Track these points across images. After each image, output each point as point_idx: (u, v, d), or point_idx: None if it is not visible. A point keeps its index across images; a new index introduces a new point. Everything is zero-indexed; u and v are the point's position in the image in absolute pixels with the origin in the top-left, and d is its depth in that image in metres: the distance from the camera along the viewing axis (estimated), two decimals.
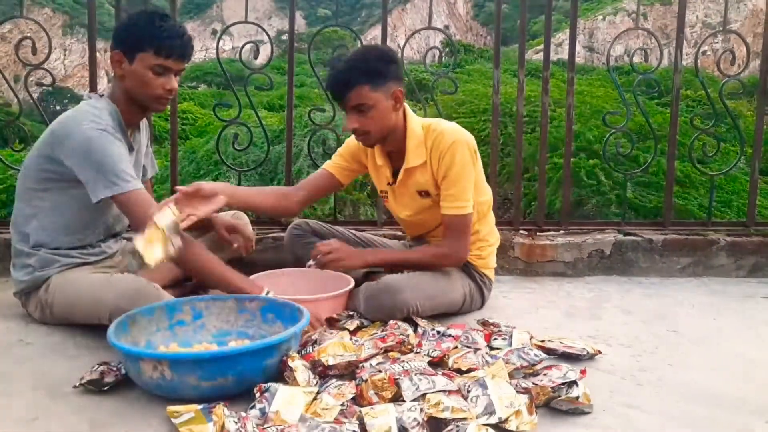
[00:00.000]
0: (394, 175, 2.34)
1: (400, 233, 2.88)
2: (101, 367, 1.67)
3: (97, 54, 2.91)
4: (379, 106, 2.14)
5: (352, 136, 2.39)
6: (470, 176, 2.21)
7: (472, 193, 2.22)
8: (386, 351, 1.82)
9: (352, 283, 2.29)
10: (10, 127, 2.93)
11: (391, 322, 2.04)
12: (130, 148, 2.16)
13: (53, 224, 2.10)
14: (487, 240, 2.39)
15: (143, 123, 2.31)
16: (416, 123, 2.26)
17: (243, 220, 2.54)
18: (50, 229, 2.10)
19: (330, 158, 2.53)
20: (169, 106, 2.90)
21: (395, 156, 2.32)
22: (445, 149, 2.18)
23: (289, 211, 2.50)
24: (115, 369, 1.67)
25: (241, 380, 1.56)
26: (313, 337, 1.84)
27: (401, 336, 1.90)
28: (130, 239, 2.43)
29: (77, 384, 1.62)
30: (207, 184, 2.08)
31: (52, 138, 2.04)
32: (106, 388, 1.62)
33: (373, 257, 2.32)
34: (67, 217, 2.10)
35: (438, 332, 1.96)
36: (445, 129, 2.23)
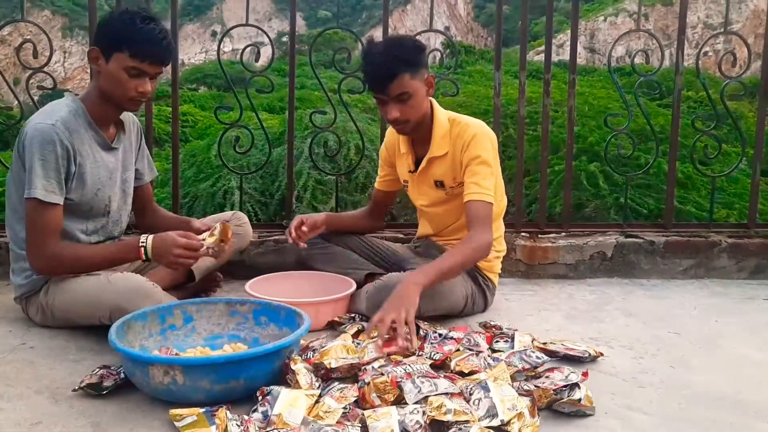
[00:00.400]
0: (416, 163, 2.38)
1: (401, 235, 2.88)
2: (101, 371, 1.67)
3: None
4: (418, 93, 2.19)
5: (382, 147, 2.57)
6: (491, 168, 2.23)
7: (493, 187, 2.22)
8: (389, 355, 1.82)
9: (354, 286, 2.30)
10: (11, 130, 2.92)
11: None
12: (107, 147, 2.15)
13: None
14: (494, 246, 2.39)
15: (133, 124, 2.29)
16: (443, 114, 2.32)
17: (243, 220, 2.55)
18: None
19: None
20: (170, 109, 2.91)
21: (418, 145, 2.37)
22: (469, 139, 2.23)
23: (375, 228, 2.75)
24: (114, 373, 1.67)
25: (251, 383, 1.57)
26: (315, 344, 1.84)
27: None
28: None
29: (77, 387, 1.62)
30: (309, 218, 2.40)
31: (18, 139, 2.06)
32: (105, 392, 1.62)
33: (425, 279, 1.98)
34: None
35: (440, 335, 1.96)
36: (470, 122, 2.29)
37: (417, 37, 2.42)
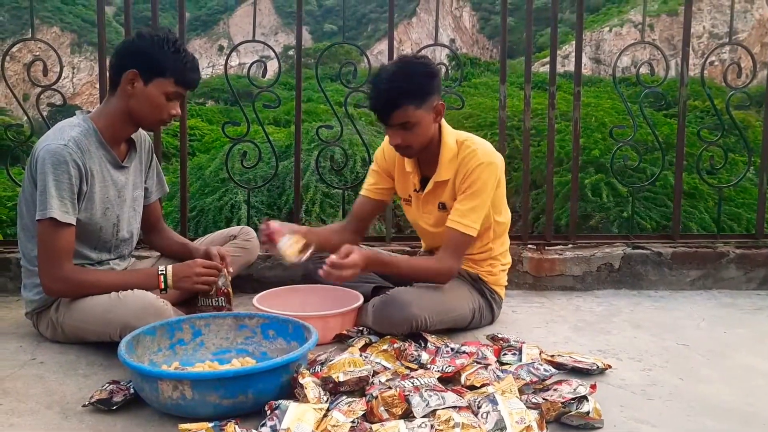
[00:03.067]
0: (422, 182, 2.34)
1: (408, 248, 2.89)
2: (111, 386, 1.68)
3: (107, 72, 2.94)
4: (423, 122, 2.15)
5: (379, 152, 2.47)
6: (485, 201, 2.19)
7: (479, 220, 2.19)
8: (398, 356, 1.84)
9: (361, 300, 2.30)
10: (21, 147, 2.95)
11: (405, 344, 2.03)
12: (119, 166, 2.17)
13: None
14: (499, 260, 2.39)
15: (144, 141, 2.30)
16: (451, 136, 2.26)
17: (250, 235, 2.56)
18: None
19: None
20: (178, 124, 2.94)
21: (424, 164, 2.33)
22: (472, 168, 2.18)
23: (353, 243, 2.48)
24: (124, 388, 1.68)
25: (259, 397, 1.58)
26: (321, 357, 1.85)
27: (416, 352, 1.92)
28: (139, 258, 2.46)
29: (87, 403, 1.63)
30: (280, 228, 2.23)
31: (30, 159, 2.07)
32: (115, 407, 1.63)
33: (374, 255, 2.17)
34: None
35: (452, 349, 1.96)
36: (478, 148, 2.22)
37: (427, 55, 2.37)
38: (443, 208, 2.30)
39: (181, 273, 2.12)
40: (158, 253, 2.51)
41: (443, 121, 2.28)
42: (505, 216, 2.38)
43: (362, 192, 2.51)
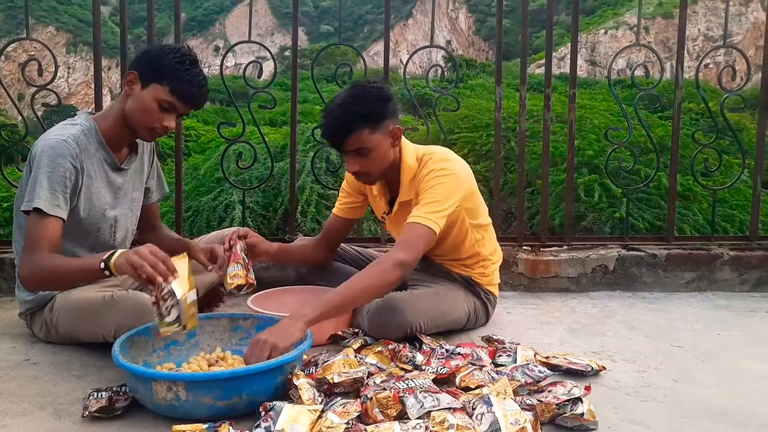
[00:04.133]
0: (390, 203, 2.33)
1: None
2: (105, 393, 1.64)
3: (101, 72, 2.94)
4: (379, 147, 2.11)
5: (348, 176, 2.40)
6: (443, 200, 2.09)
7: (438, 216, 2.07)
8: (392, 357, 1.85)
9: None
10: (15, 146, 2.94)
11: (400, 345, 2.02)
12: (116, 168, 2.15)
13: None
14: (490, 259, 2.39)
15: (147, 147, 2.30)
16: (411, 155, 2.21)
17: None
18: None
19: (333, 175, 2.54)
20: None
21: (392, 186, 2.30)
22: (423, 176, 2.14)
23: (319, 260, 2.51)
24: (123, 393, 1.65)
25: (254, 399, 1.57)
26: (318, 359, 1.84)
27: (410, 353, 1.92)
28: None
29: (85, 414, 1.59)
30: (256, 239, 2.23)
31: (29, 157, 2.06)
32: (119, 412, 1.61)
33: (309, 320, 1.85)
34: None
35: (447, 350, 1.96)
36: (436, 157, 2.18)
37: (381, 81, 2.29)
38: None
39: (125, 254, 1.76)
40: None
41: (404, 142, 2.23)
42: (484, 217, 2.35)
43: (334, 210, 2.49)
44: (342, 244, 2.60)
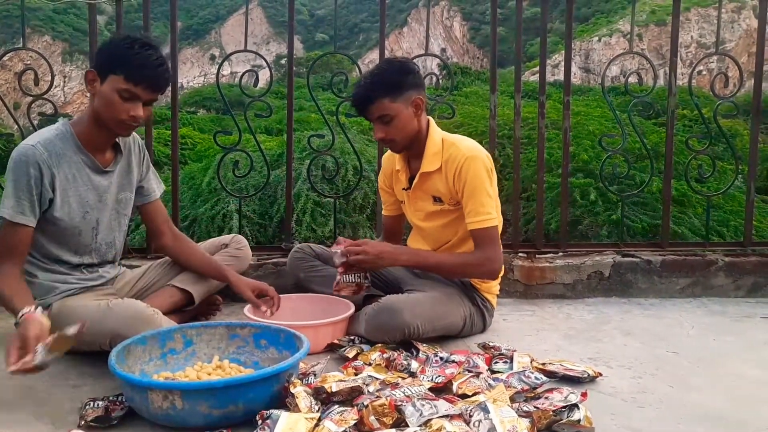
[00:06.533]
0: (410, 180, 2.41)
1: None
2: (102, 403, 1.64)
3: None
4: (401, 115, 2.26)
5: (380, 172, 2.60)
6: (486, 189, 2.25)
7: (492, 206, 2.25)
8: (387, 366, 1.84)
9: (353, 309, 2.30)
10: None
11: (395, 353, 2.04)
12: (98, 170, 2.14)
13: (38, 252, 2.10)
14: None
15: (133, 143, 2.27)
16: (437, 134, 2.36)
17: (242, 243, 2.56)
18: (37, 257, 2.10)
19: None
20: (169, 132, 2.93)
21: (414, 162, 2.41)
22: (460, 164, 2.25)
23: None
24: (119, 403, 1.65)
25: (250, 407, 1.57)
26: (315, 369, 1.84)
27: (405, 361, 1.92)
28: (130, 267, 2.46)
29: (81, 424, 1.59)
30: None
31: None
32: (115, 422, 1.61)
33: (407, 257, 2.32)
34: (43, 242, 2.09)
35: (441, 358, 1.96)
36: (462, 144, 2.31)
37: (413, 60, 2.47)
38: (439, 201, 2.35)
39: (20, 329, 1.75)
40: (149, 263, 2.49)
41: (433, 123, 2.38)
42: (498, 219, 2.40)
43: (383, 212, 2.70)
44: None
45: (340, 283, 2.28)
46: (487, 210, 2.23)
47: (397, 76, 2.25)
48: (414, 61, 2.48)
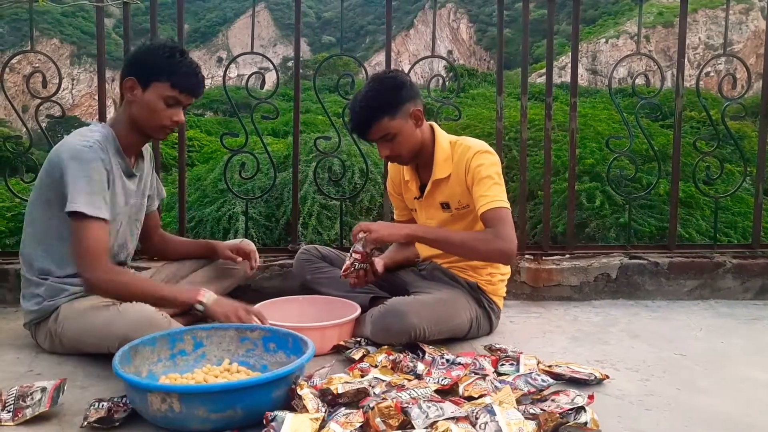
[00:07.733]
0: (421, 189, 2.41)
1: None
2: (105, 404, 1.64)
3: (105, 83, 2.96)
4: (403, 130, 2.24)
5: (388, 178, 2.62)
6: (495, 179, 2.23)
7: (502, 193, 2.22)
8: (393, 368, 1.84)
9: (359, 310, 2.30)
10: (20, 158, 2.97)
11: (401, 355, 2.04)
12: (130, 174, 2.19)
13: (58, 251, 2.10)
14: (498, 268, 2.40)
15: (145, 150, 2.33)
16: (444, 139, 2.35)
17: (250, 247, 2.57)
18: (56, 256, 2.11)
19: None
20: (177, 134, 2.95)
21: (423, 171, 2.41)
22: (470, 157, 2.26)
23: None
24: (123, 405, 1.65)
25: (249, 412, 1.56)
26: (321, 372, 1.84)
27: (411, 363, 1.92)
28: (138, 269, 2.46)
29: (84, 425, 1.59)
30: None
31: (49, 163, 2.08)
32: (117, 424, 1.61)
33: (413, 230, 2.28)
34: (63, 242, 2.09)
35: (447, 360, 1.96)
36: (471, 142, 2.32)
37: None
38: (446, 207, 2.35)
39: (223, 302, 2.09)
40: (160, 263, 2.52)
41: (437, 128, 2.37)
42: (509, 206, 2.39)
43: (395, 217, 2.70)
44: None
45: (348, 266, 2.24)
46: (496, 194, 2.20)
47: (392, 93, 2.22)
48: (402, 70, 2.46)
